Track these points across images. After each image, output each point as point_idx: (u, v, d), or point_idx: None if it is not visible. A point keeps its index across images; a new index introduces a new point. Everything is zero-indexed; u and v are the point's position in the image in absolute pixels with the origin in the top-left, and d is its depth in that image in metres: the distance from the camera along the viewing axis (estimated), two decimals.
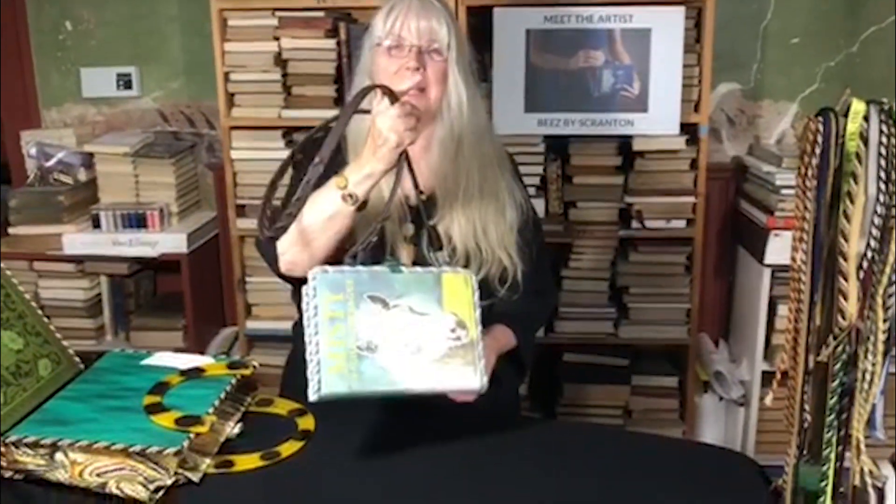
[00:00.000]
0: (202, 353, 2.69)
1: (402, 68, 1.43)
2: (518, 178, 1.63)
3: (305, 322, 1.19)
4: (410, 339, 1.23)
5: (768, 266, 2.38)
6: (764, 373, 2.48)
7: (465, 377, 1.25)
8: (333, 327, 1.18)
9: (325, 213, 1.34)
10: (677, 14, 2.29)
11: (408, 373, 1.21)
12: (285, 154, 2.42)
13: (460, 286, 1.28)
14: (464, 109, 1.47)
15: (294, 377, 1.63)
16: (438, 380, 1.23)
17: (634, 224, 2.43)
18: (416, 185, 1.40)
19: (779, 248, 2.31)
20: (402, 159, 1.33)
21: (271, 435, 1.35)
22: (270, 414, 1.45)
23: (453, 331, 1.25)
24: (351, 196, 1.31)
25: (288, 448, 1.33)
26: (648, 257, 2.49)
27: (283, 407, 1.44)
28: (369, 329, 1.20)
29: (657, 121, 2.35)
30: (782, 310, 2.33)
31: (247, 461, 1.29)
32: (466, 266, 1.47)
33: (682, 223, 2.43)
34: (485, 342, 1.29)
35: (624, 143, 2.43)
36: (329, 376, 1.16)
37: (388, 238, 1.49)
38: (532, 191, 2.43)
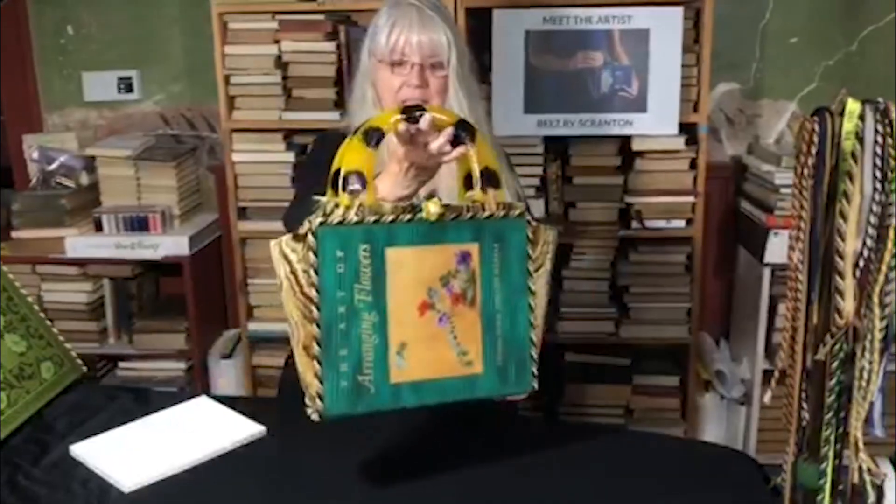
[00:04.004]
0: (205, 354, 2.71)
1: (405, 85, 1.46)
2: (513, 171, 1.66)
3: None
4: None
5: (768, 265, 2.39)
6: (765, 371, 2.48)
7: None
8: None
9: None
10: (676, 14, 2.29)
11: None
12: (286, 156, 2.48)
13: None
14: (465, 118, 1.49)
15: (293, 378, 1.65)
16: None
17: (634, 224, 2.44)
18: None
19: (778, 247, 2.32)
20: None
21: None
22: None
23: None
24: None
25: None
26: (649, 257, 2.49)
27: None
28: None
29: (656, 121, 2.35)
30: (783, 309, 2.31)
31: None
32: None
33: (681, 223, 2.43)
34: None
35: (623, 144, 2.44)
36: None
37: None
38: (532, 191, 2.44)
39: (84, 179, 2.69)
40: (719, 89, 2.68)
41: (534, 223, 1.26)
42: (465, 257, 1.19)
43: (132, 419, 1.46)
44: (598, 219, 2.47)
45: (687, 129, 2.38)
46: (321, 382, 1.11)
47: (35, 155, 2.72)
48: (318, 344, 1.11)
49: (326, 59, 2.41)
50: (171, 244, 2.58)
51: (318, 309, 1.11)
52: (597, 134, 2.38)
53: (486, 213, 1.21)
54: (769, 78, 2.68)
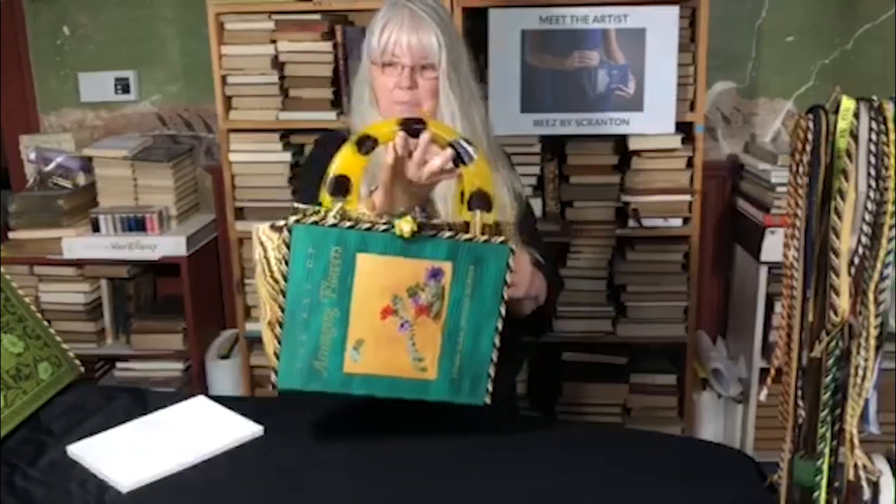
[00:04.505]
0: (203, 354, 2.71)
1: (397, 86, 1.48)
2: (513, 170, 1.66)
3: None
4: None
5: (765, 263, 2.39)
6: (762, 370, 2.49)
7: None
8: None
9: None
10: (672, 13, 2.30)
11: None
12: (283, 156, 2.48)
13: None
14: (457, 121, 1.49)
15: None
16: None
17: (631, 223, 2.44)
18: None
19: (775, 246, 2.32)
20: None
21: None
22: None
23: None
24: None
25: None
26: (646, 256, 2.50)
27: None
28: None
29: (653, 120, 2.35)
30: (779, 307, 2.33)
31: None
32: None
33: (678, 221, 2.44)
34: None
35: (620, 143, 2.44)
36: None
37: None
38: (529, 191, 2.45)
39: (81, 180, 2.69)
40: (716, 88, 2.69)
41: (517, 250, 1.28)
42: (436, 273, 1.23)
43: (130, 419, 1.46)
44: (595, 218, 2.47)
45: (683, 128, 2.39)
46: (278, 359, 1.20)
47: (32, 156, 2.72)
48: (281, 326, 1.19)
49: (323, 59, 2.42)
50: (168, 244, 2.58)
51: (284, 295, 1.18)
52: (593, 133, 2.39)
53: (467, 236, 1.23)
54: (765, 76, 2.68)
